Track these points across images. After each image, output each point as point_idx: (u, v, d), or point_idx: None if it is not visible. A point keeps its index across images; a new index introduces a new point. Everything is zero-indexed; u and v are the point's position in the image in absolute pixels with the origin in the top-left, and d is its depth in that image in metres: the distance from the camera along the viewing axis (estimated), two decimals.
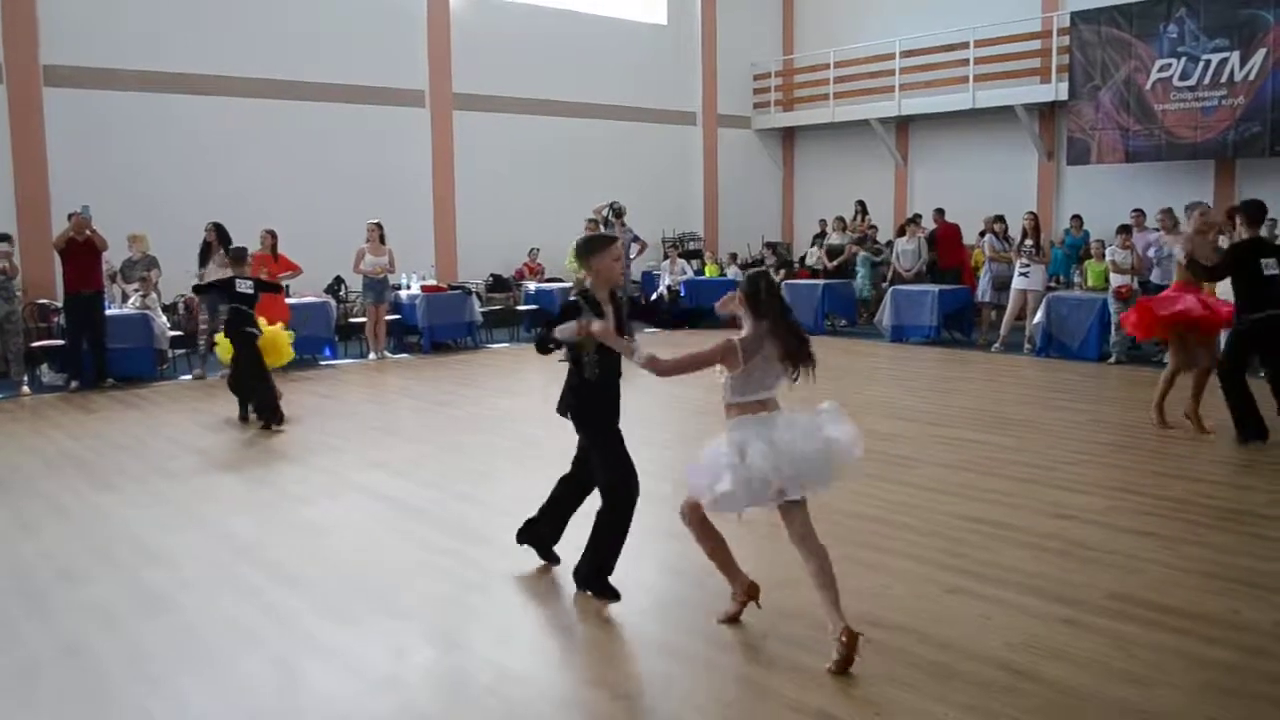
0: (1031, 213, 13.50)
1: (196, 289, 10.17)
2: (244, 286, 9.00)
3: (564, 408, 4.64)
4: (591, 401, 4.51)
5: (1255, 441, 7.48)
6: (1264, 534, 5.43)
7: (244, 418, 8.96)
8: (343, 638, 4.23)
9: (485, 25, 16.80)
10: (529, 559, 5.14)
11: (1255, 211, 7.75)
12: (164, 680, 3.86)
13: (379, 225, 12.88)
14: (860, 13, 19.58)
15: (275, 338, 9.56)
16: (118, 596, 4.74)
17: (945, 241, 15.11)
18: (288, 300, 12.33)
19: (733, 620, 4.24)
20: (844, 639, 3.73)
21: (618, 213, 14.54)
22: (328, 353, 13.02)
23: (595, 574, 4.57)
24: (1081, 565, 4.95)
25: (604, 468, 4.55)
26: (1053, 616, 4.28)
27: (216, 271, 11.11)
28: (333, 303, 13.57)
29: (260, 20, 14.55)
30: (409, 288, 14.04)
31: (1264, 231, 13.42)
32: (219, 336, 9.52)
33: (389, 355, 13.20)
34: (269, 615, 4.49)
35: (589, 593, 4.59)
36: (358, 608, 4.56)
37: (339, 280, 14.60)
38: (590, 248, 4.53)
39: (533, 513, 4.98)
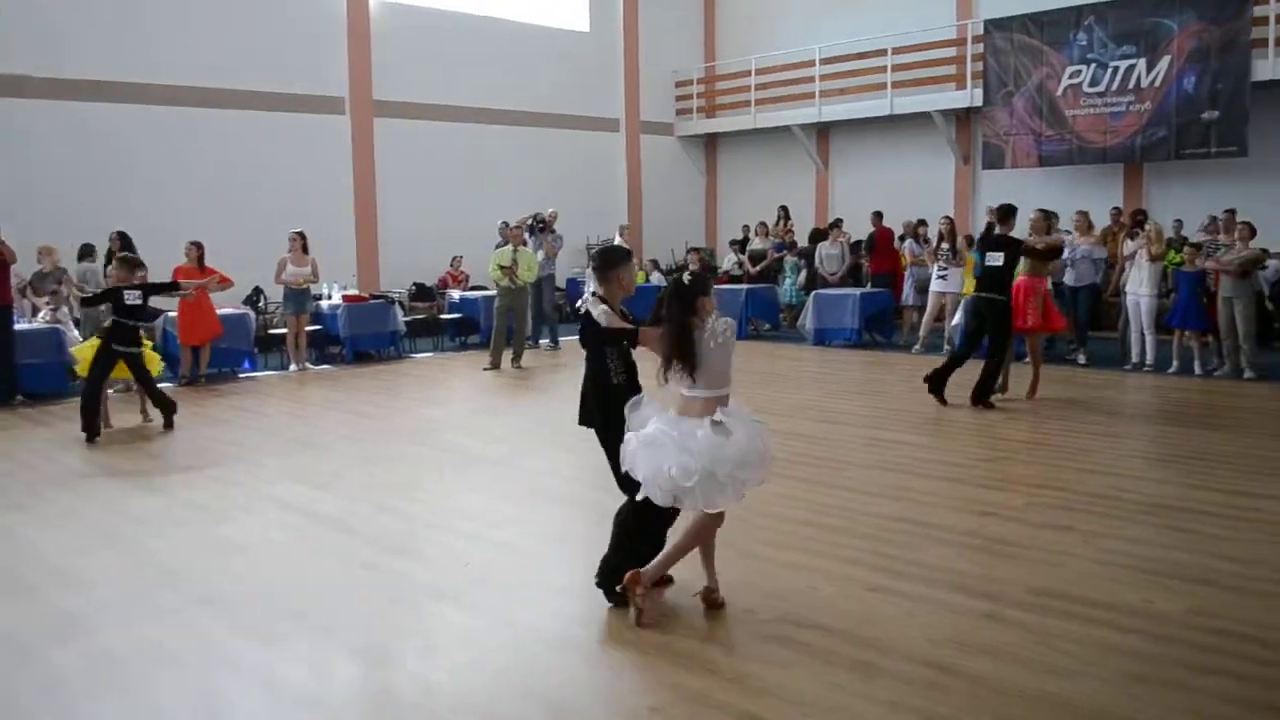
0: (948, 217, 13.75)
1: (84, 301, 9.82)
2: (131, 298, 8.75)
3: (589, 419, 4.56)
4: (622, 407, 4.38)
5: (935, 396, 9.38)
6: (1177, 526, 5.60)
7: (91, 437, 8.54)
8: (264, 657, 4.14)
9: (406, 32, 16.67)
10: (453, 570, 5.08)
11: (1003, 212, 9.42)
12: (79, 709, 3.74)
13: (301, 235, 12.63)
14: (780, 20, 19.82)
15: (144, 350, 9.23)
16: (28, 622, 4.57)
17: (883, 244, 15.27)
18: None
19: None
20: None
21: (541, 223, 14.49)
22: (247, 365, 12.74)
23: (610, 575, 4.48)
24: (1002, 561, 5.05)
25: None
26: (975, 612, 4.36)
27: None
28: (252, 314, 13.29)
29: (175, 26, 14.26)
30: (330, 297, 13.80)
31: (1170, 232, 13.86)
32: (79, 349, 9.19)
33: (310, 367, 12.98)
34: (187, 636, 4.36)
35: (607, 594, 4.51)
36: (279, 626, 4.46)
37: (258, 291, 14.32)
38: (614, 259, 4.55)
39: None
